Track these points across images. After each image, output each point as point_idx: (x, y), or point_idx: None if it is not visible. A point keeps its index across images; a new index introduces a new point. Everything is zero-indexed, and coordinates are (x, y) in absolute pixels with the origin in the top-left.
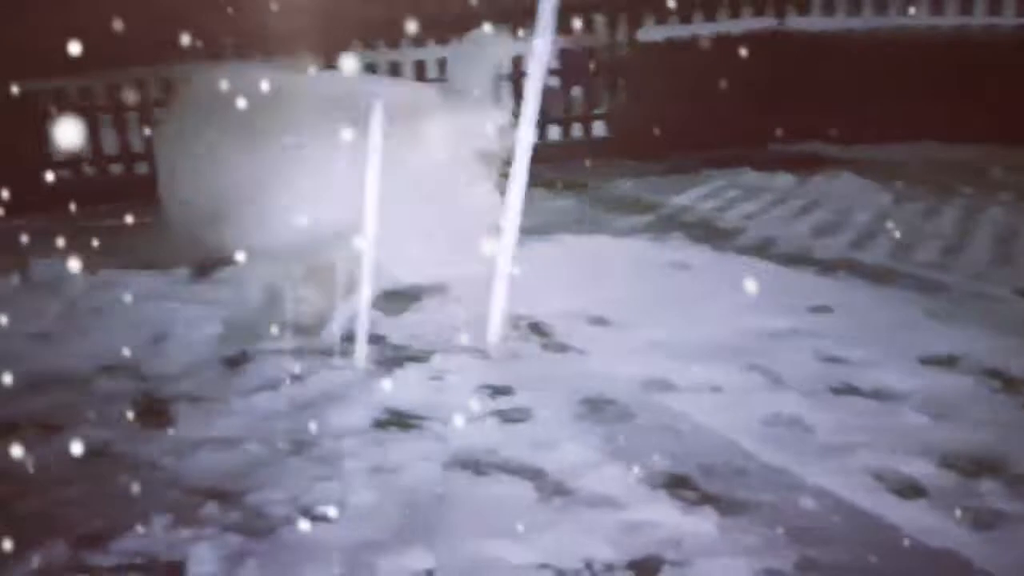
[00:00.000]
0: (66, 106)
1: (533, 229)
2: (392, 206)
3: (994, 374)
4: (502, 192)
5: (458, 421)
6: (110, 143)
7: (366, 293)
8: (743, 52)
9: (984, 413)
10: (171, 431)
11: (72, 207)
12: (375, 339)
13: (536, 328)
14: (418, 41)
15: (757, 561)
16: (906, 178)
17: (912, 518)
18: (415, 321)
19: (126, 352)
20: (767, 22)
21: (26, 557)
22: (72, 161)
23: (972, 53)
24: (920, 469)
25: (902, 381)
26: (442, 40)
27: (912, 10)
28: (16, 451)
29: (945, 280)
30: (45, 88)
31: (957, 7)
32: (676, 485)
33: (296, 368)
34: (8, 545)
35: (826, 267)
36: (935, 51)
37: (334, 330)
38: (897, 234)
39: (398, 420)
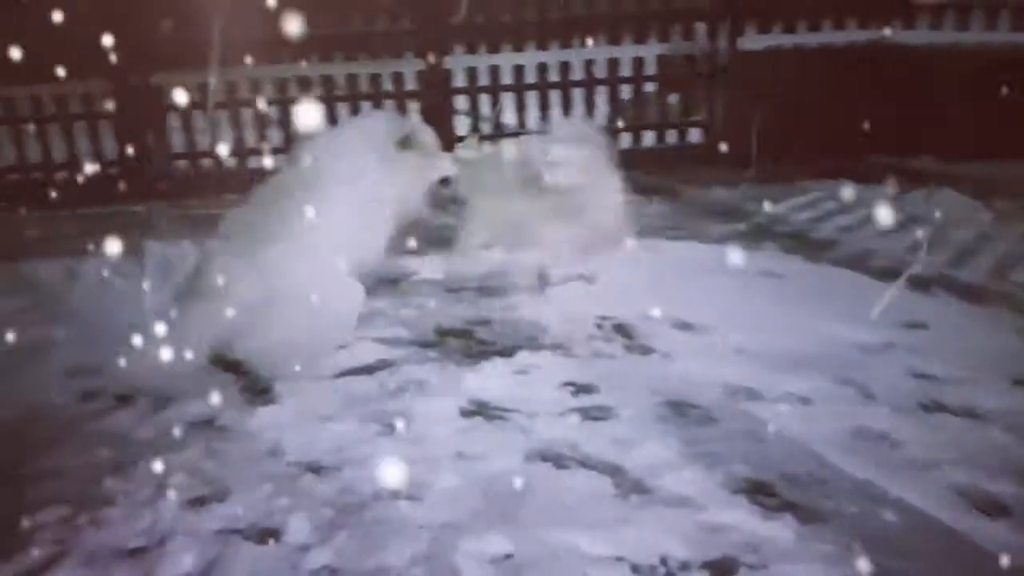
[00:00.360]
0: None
1: None
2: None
3: None
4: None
5: (541, 415)
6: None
7: None
8: (846, 63)
9: None
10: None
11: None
12: (463, 333)
13: (622, 329)
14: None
15: (834, 569)
16: (1009, 196)
17: (994, 537)
18: (505, 318)
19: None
20: (872, 34)
21: (137, 515)
22: (194, 154)
23: None
24: (1006, 489)
25: (993, 401)
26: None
27: None
28: (129, 419)
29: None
30: (170, 82)
31: None
32: (756, 491)
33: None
34: (119, 506)
35: (921, 283)
36: None
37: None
38: (996, 253)
39: (483, 411)
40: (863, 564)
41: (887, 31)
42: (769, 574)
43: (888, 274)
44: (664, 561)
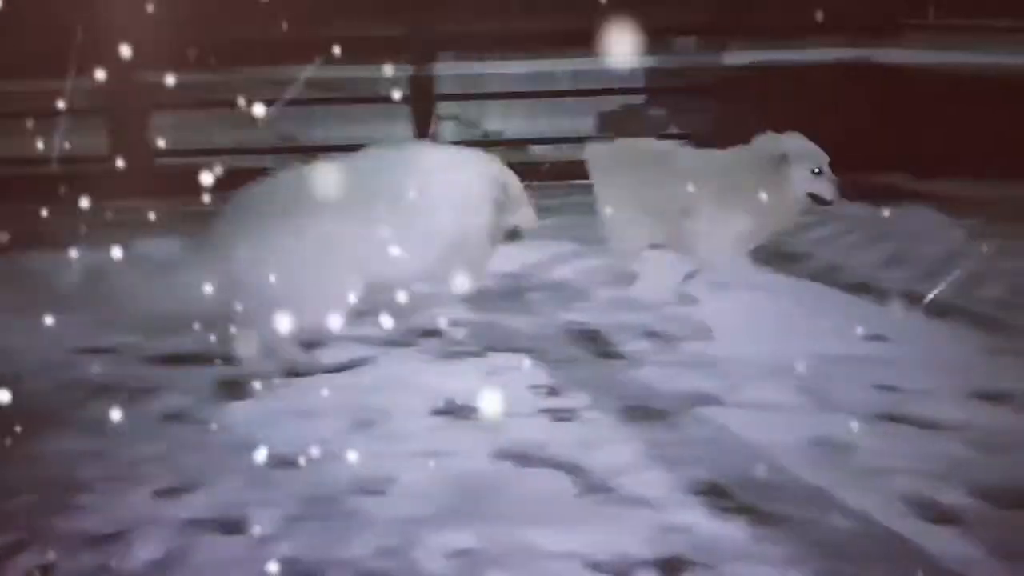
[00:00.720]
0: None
1: (597, 242)
2: None
3: None
4: None
5: (509, 415)
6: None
7: None
8: (830, 81)
9: None
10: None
11: None
12: (435, 332)
13: (592, 336)
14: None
15: (782, 570)
16: (982, 215)
17: (942, 545)
18: (480, 321)
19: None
20: (856, 52)
21: (109, 505)
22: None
23: None
24: (956, 499)
25: (949, 413)
26: None
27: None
28: (105, 411)
29: (1006, 319)
30: None
31: None
32: (713, 493)
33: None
34: (93, 494)
35: (889, 297)
36: None
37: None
38: (964, 270)
39: (454, 409)
40: (811, 567)
41: (870, 50)
42: (720, 573)
43: (857, 288)
44: (620, 559)
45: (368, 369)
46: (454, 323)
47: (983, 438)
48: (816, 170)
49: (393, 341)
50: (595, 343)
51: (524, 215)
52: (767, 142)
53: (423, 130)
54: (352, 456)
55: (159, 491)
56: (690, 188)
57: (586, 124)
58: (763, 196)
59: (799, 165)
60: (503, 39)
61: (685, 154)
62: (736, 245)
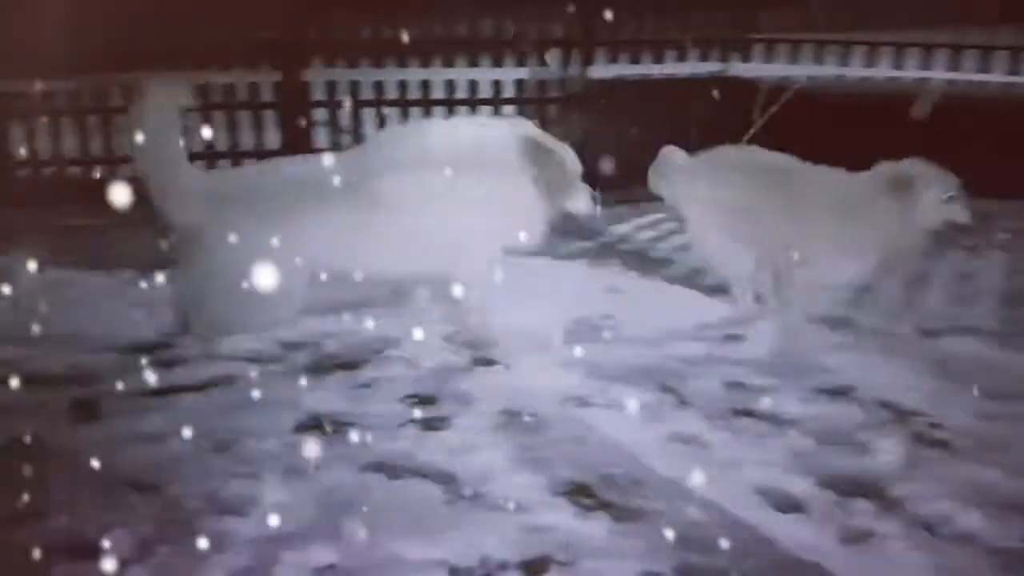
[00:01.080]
0: None
1: None
2: None
3: (884, 405)
4: None
5: (377, 427)
6: None
7: None
8: (686, 93)
9: (869, 440)
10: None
11: None
12: (295, 346)
13: (467, 342)
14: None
15: (640, 564)
16: None
17: (787, 531)
18: (352, 330)
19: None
20: (712, 67)
21: None
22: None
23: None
24: (801, 488)
25: (796, 407)
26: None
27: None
28: None
29: (853, 317)
30: None
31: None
32: (577, 492)
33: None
34: None
35: (744, 299)
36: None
37: None
38: None
39: (321, 424)
40: (667, 558)
41: (725, 64)
42: (579, 570)
43: (715, 290)
44: (483, 562)
45: (229, 387)
46: (324, 334)
47: (824, 429)
48: (948, 195)
49: (258, 357)
50: (471, 349)
51: (579, 199)
52: (891, 171)
53: (290, 137)
54: (211, 476)
55: (5, 517)
56: (804, 223)
57: None
58: (889, 230)
59: (929, 192)
60: (378, 47)
61: (797, 175)
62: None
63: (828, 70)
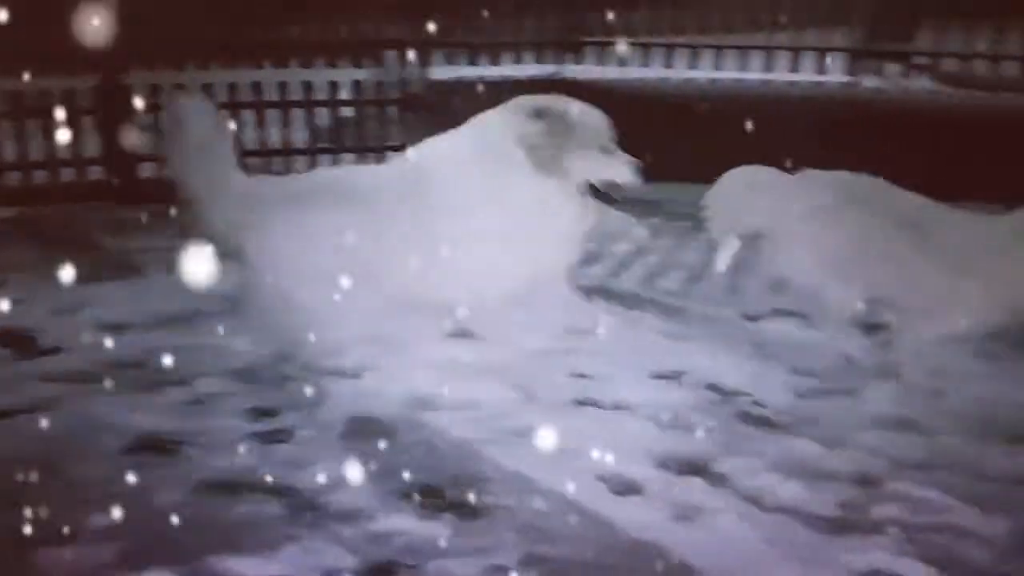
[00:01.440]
0: None
1: None
2: None
3: (712, 387)
4: None
5: (214, 444)
6: None
7: None
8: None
9: (699, 420)
10: None
11: None
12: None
13: (315, 350)
14: None
15: (486, 559)
16: (663, 214)
17: (627, 515)
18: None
19: None
20: (547, 68)
21: None
22: None
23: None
24: (639, 471)
25: (635, 394)
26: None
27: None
28: None
29: (683, 305)
30: None
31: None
32: (423, 495)
33: None
34: None
35: (587, 293)
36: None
37: None
38: (649, 264)
39: (153, 444)
40: (513, 552)
41: (559, 67)
42: (425, 572)
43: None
44: (329, 574)
45: (51, 412)
46: (159, 349)
47: (660, 413)
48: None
49: (83, 377)
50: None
51: (618, 167)
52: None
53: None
54: (34, 506)
55: None
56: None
57: (300, 136)
58: None
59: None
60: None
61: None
62: None
63: (653, 72)
